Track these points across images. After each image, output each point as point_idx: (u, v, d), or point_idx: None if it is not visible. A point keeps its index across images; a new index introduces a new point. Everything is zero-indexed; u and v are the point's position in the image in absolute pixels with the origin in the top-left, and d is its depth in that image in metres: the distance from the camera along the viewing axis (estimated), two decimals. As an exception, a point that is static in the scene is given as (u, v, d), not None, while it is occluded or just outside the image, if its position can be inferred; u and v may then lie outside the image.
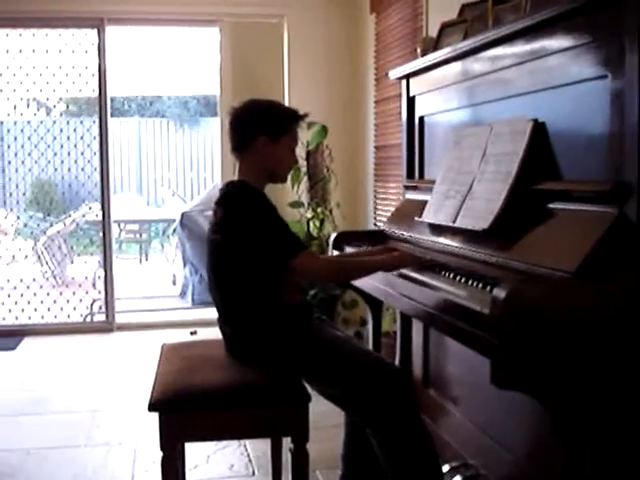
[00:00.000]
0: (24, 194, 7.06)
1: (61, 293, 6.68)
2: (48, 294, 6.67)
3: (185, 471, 2.92)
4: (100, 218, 6.36)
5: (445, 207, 2.79)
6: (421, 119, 3.43)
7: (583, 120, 2.17)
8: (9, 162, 6.75)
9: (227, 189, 2.70)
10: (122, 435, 3.85)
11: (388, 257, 2.70)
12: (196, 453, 3.47)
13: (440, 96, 3.22)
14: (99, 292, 6.58)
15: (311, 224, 5.73)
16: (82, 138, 6.50)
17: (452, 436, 3.14)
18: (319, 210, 5.75)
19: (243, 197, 2.60)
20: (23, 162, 6.62)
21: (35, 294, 6.59)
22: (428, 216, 2.93)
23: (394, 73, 3.61)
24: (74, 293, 6.67)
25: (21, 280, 6.75)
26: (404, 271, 2.65)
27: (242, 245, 2.53)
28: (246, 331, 2.59)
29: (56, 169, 6.67)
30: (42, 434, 3.86)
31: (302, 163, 5.60)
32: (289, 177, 2.90)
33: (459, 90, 3.01)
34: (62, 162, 6.59)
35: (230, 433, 2.61)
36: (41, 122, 6.81)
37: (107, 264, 6.31)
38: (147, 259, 11.09)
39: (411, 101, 3.50)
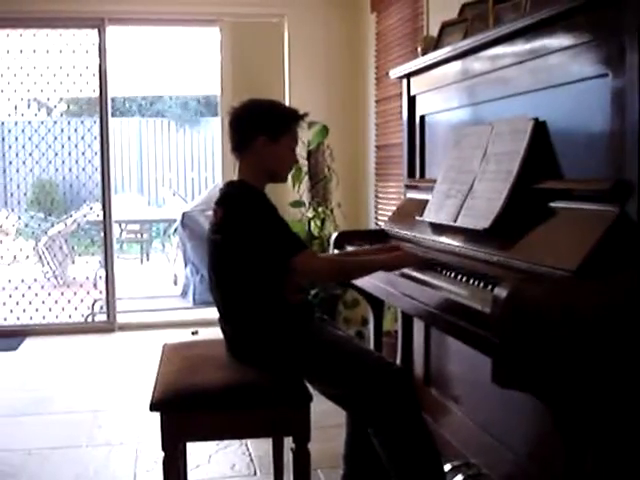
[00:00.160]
0: (25, 194, 7.07)
1: (62, 293, 6.69)
2: (49, 294, 6.67)
3: (187, 471, 2.91)
4: (101, 218, 6.36)
5: (446, 206, 2.79)
6: (422, 118, 3.43)
7: (584, 119, 2.17)
8: (10, 162, 6.75)
9: (227, 189, 2.70)
10: (124, 435, 3.85)
11: (389, 257, 2.70)
12: (198, 453, 3.47)
13: (441, 95, 3.22)
14: (100, 292, 6.59)
15: (312, 224, 5.73)
16: (83, 138, 6.51)
17: (453, 435, 3.14)
18: (320, 210, 5.75)
19: (243, 197, 2.60)
20: (24, 162, 6.63)
21: (36, 294, 6.59)
22: (429, 215, 2.93)
23: (395, 72, 3.61)
24: (75, 293, 6.67)
25: (22, 280, 6.75)
26: (405, 270, 2.65)
27: (242, 245, 2.53)
28: (247, 331, 2.59)
29: (57, 169, 6.67)
30: (44, 434, 3.87)
31: (303, 163, 5.61)
32: (290, 177, 2.90)
33: (460, 89, 3.01)
34: (63, 162, 6.59)
35: (231, 433, 2.62)
36: (42, 122, 6.82)
37: (108, 264, 6.32)
38: (148, 259, 11.09)
39: (412, 100, 3.50)
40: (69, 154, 6.55)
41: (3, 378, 4.96)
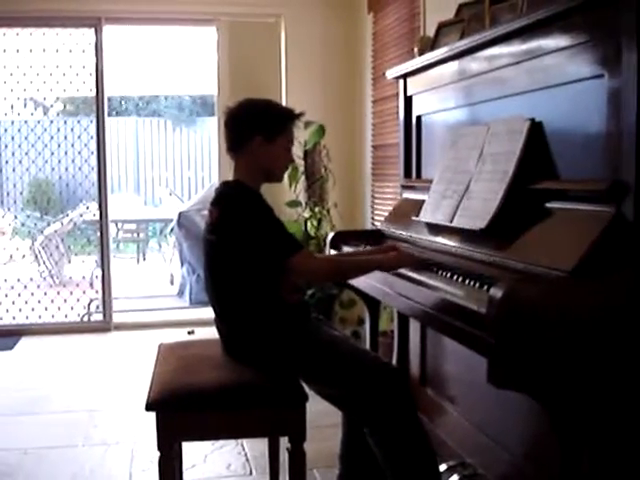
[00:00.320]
0: (21, 193, 7.07)
1: (58, 293, 6.68)
2: (45, 294, 6.66)
3: (182, 470, 2.92)
4: (97, 218, 6.36)
5: (442, 206, 2.79)
6: (418, 118, 3.43)
7: (580, 119, 2.18)
8: (6, 161, 6.76)
9: (222, 189, 2.70)
10: (120, 434, 3.85)
11: (386, 256, 2.70)
12: (193, 452, 3.47)
13: (437, 95, 3.22)
14: (96, 292, 6.59)
15: (309, 224, 5.73)
16: (79, 137, 6.50)
17: (449, 435, 3.14)
18: (317, 210, 5.75)
19: (238, 197, 2.60)
20: (20, 161, 6.62)
21: (32, 294, 6.58)
22: (425, 215, 2.93)
23: (391, 73, 3.61)
24: (71, 293, 6.67)
25: (18, 280, 6.75)
26: (401, 270, 2.65)
27: (238, 245, 2.53)
28: (243, 331, 2.59)
29: (53, 168, 6.67)
30: (40, 434, 3.87)
31: (300, 162, 5.60)
32: (286, 176, 2.90)
33: (456, 90, 3.01)
34: (59, 162, 6.59)
35: (227, 433, 2.61)
36: (38, 122, 6.81)
37: (104, 264, 6.31)
38: (144, 258, 11.09)
39: (408, 100, 3.50)
40: (65, 153, 6.54)
41: (-1, 377, 4.96)
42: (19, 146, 6.59)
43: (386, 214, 3.81)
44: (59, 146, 6.54)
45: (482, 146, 2.63)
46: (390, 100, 5.00)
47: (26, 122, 6.82)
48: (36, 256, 7.89)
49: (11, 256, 7.09)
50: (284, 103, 5.74)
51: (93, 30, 6.07)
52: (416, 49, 3.54)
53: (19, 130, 6.69)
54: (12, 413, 4.21)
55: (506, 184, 2.38)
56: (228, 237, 2.55)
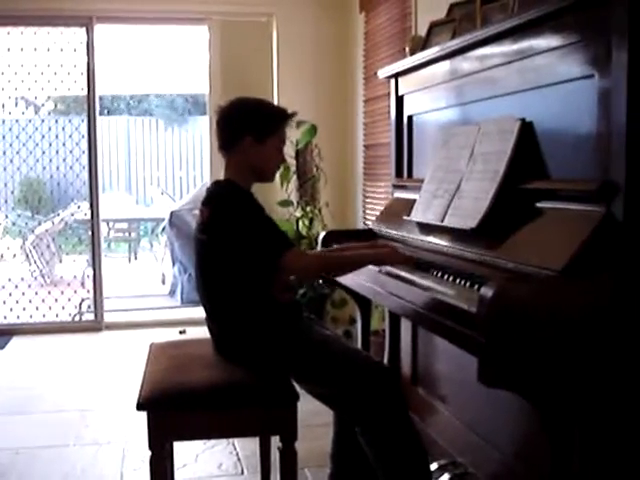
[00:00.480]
0: (12, 193, 7.04)
1: (49, 292, 6.67)
2: (36, 293, 6.66)
3: (174, 470, 2.91)
4: (89, 217, 6.35)
5: (433, 206, 2.79)
6: (410, 118, 3.43)
7: (570, 119, 2.18)
8: (-3, 160, 6.73)
9: (213, 188, 2.70)
10: (111, 434, 3.85)
11: (378, 251, 2.71)
12: (185, 452, 3.47)
13: (429, 95, 3.22)
14: (88, 291, 6.58)
15: (300, 223, 5.74)
16: (70, 137, 6.49)
17: (440, 434, 3.15)
18: (308, 209, 5.76)
19: (229, 197, 2.59)
20: (11, 160, 6.60)
21: (23, 293, 6.57)
22: (416, 215, 2.94)
23: (383, 72, 3.61)
24: (62, 292, 6.66)
25: (9, 279, 6.73)
26: (392, 269, 2.66)
27: (229, 245, 2.53)
28: (234, 330, 2.59)
29: (44, 168, 6.66)
30: (31, 433, 3.86)
31: (291, 162, 5.60)
32: (278, 176, 2.90)
33: (447, 89, 3.01)
34: (50, 161, 6.57)
35: (218, 432, 2.62)
36: (30, 121, 6.79)
37: (96, 263, 6.31)
38: (136, 258, 11.08)
39: (400, 100, 3.50)
40: (57, 152, 6.53)
41: (-10, 377, 4.95)
42: (10, 145, 6.56)
43: (378, 213, 3.82)
44: (50, 145, 6.52)
45: (473, 146, 2.64)
46: (382, 99, 5.01)
47: (17, 121, 6.80)
48: (27, 255, 7.87)
49: (2, 255, 7.07)
50: (276, 102, 5.74)
51: (84, 29, 6.06)
52: (407, 49, 3.54)
53: (10, 129, 6.66)
54: (3, 413, 4.20)
55: (497, 184, 2.38)
56: (219, 236, 2.55)
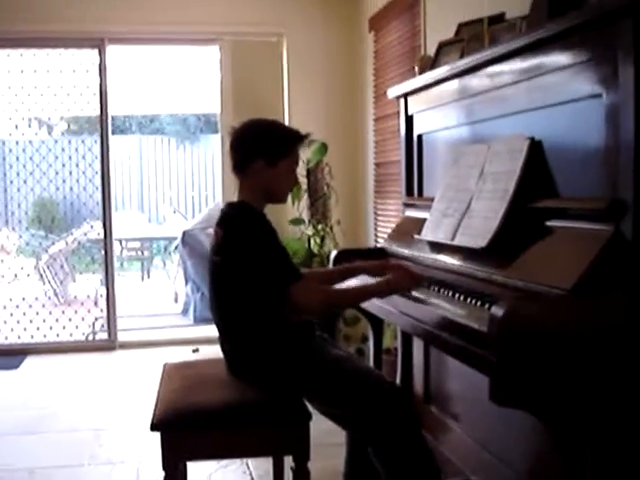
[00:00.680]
0: (26, 213, 7.10)
1: (63, 312, 6.69)
2: (50, 313, 6.67)
3: (187, 490, 2.92)
4: (102, 236, 6.38)
5: (444, 225, 2.81)
6: (419, 137, 3.45)
7: (579, 138, 2.20)
8: (11, 181, 6.78)
9: (227, 210, 2.71)
10: (125, 454, 3.86)
11: (383, 283, 2.63)
12: (198, 472, 3.46)
13: (438, 114, 3.24)
14: (101, 310, 6.60)
15: (312, 241, 5.75)
16: (84, 157, 6.53)
17: (453, 452, 3.15)
18: (320, 227, 5.78)
19: (242, 219, 2.60)
20: (25, 181, 6.65)
21: (37, 313, 6.59)
22: (427, 234, 2.95)
23: (392, 91, 3.64)
24: (76, 311, 6.67)
25: (23, 299, 6.76)
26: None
27: (242, 266, 2.54)
28: (247, 350, 2.59)
29: (58, 188, 6.71)
30: (46, 453, 3.87)
31: (302, 180, 5.63)
32: (289, 195, 2.88)
33: (457, 108, 3.04)
34: (64, 181, 6.62)
35: (232, 452, 2.62)
36: (43, 142, 6.84)
37: (109, 282, 6.33)
38: (149, 276, 11.10)
39: (409, 119, 3.53)
40: (70, 173, 6.58)
41: (4, 397, 4.96)
42: (24, 166, 6.61)
43: (389, 231, 3.83)
44: (63, 166, 6.57)
45: (483, 165, 2.65)
46: (392, 118, 5.03)
47: (31, 142, 6.86)
48: (41, 275, 7.91)
49: (16, 275, 7.10)
50: (287, 121, 5.79)
51: (97, 51, 6.12)
52: (417, 68, 3.57)
53: (24, 150, 6.72)
54: (18, 432, 4.22)
55: (507, 203, 2.40)
56: (232, 258, 2.56)
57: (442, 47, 3.36)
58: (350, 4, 6.08)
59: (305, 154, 5.15)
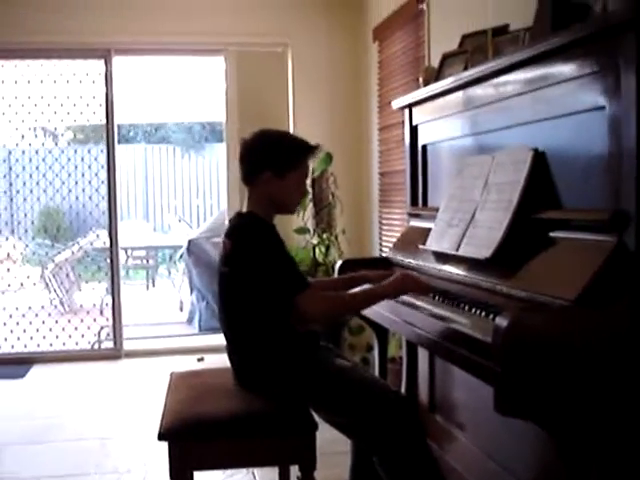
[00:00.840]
0: (32, 222, 7.12)
1: (69, 320, 6.72)
2: (56, 321, 6.70)
3: (194, 499, 2.93)
4: (107, 245, 6.41)
5: (448, 235, 2.83)
6: (424, 147, 3.47)
7: (582, 149, 2.21)
8: (18, 191, 6.81)
9: (236, 221, 2.72)
10: (131, 463, 3.88)
11: (389, 284, 2.65)
12: (205, 480, 3.48)
13: (442, 125, 3.26)
14: (107, 319, 6.62)
15: (317, 250, 5.78)
16: (90, 167, 6.56)
17: (458, 461, 3.15)
18: (325, 236, 5.80)
19: (251, 230, 2.62)
20: (31, 190, 6.69)
21: (43, 322, 6.62)
22: (432, 244, 2.97)
23: (397, 102, 3.66)
24: (82, 320, 6.70)
25: (30, 307, 6.79)
26: (408, 298, 2.69)
27: (249, 277, 2.55)
28: (254, 360, 2.61)
29: (64, 197, 6.73)
30: (52, 462, 3.89)
31: (308, 190, 5.65)
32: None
33: (461, 119, 3.06)
34: (70, 190, 6.65)
35: (238, 462, 2.64)
36: (49, 151, 6.87)
37: (115, 291, 6.36)
38: (154, 285, 11.13)
39: (414, 130, 3.55)
40: (76, 182, 6.60)
41: (11, 406, 4.99)
42: (30, 175, 6.65)
43: (394, 240, 3.85)
44: (69, 175, 6.60)
45: (487, 175, 2.67)
46: (396, 127, 5.06)
47: (37, 152, 6.89)
48: (47, 284, 7.94)
49: (22, 284, 7.12)
50: (291, 130, 5.82)
51: (103, 61, 6.16)
52: (421, 79, 3.59)
53: (30, 160, 6.75)
54: (24, 442, 4.24)
55: (511, 213, 2.41)
56: (240, 269, 2.57)
57: (446, 58, 3.38)
58: (354, 14, 6.11)
59: (310, 164, 5.16)
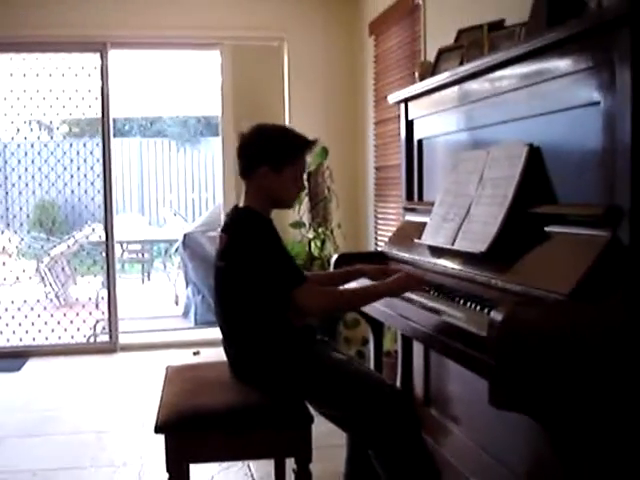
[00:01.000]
0: (28, 216, 7.12)
1: (65, 314, 6.72)
2: (52, 315, 6.71)
3: (190, 491, 2.95)
4: (103, 239, 6.41)
5: (444, 229, 2.84)
6: (419, 142, 3.48)
7: (577, 145, 2.22)
8: (13, 184, 6.81)
9: (233, 215, 2.73)
10: (127, 456, 3.89)
11: (388, 284, 2.66)
12: (200, 474, 3.48)
13: (438, 120, 3.28)
14: (102, 313, 6.62)
15: (312, 244, 5.78)
16: (85, 161, 6.56)
17: (453, 454, 3.17)
18: (320, 230, 5.81)
19: (248, 224, 2.63)
20: (27, 184, 6.68)
21: (39, 315, 6.62)
22: (427, 238, 2.98)
23: (393, 97, 3.67)
24: (77, 314, 6.70)
25: (25, 301, 6.79)
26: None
27: (245, 272, 2.56)
28: (250, 353, 2.62)
29: (59, 191, 6.73)
30: (48, 455, 3.90)
31: (304, 184, 5.65)
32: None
33: (456, 114, 3.07)
34: (65, 184, 6.64)
35: (235, 454, 2.65)
36: (45, 145, 6.87)
37: (110, 284, 6.36)
38: (149, 279, 11.13)
39: (410, 124, 3.56)
40: (71, 176, 6.60)
41: (6, 399, 4.99)
42: (25, 169, 6.64)
43: (389, 234, 3.86)
44: (65, 168, 6.59)
45: (482, 170, 2.68)
46: (392, 122, 5.06)
47: (32, 145, 6.89)
48: (42, 277, 7.94)
49: (17, 278, 7.12)
50: (287, 124, 5.82)
51: (99, 54, 6.15)
52: (417, 74, 3.60)
53: (25, 153, 6.74)
54: (20, 434, 4.24)
55: (505, 208, 2.43)
56: (236, 263, 2.58)
57: (442, 53, 3.39)
58: (350, 9, 6.11)
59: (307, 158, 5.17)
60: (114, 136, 6.42)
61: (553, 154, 2.35)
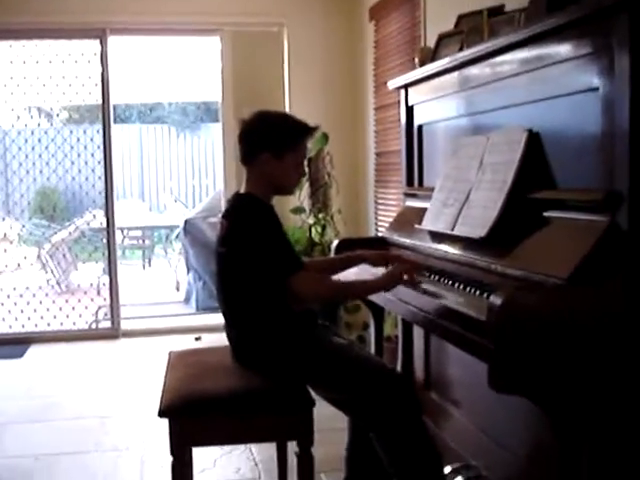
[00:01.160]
0: (29, 202, 7.15)
1: (66, 300, 6.75)
2: (53, 301, 6.72)
3: (193, 475, 2.97)
4: (104, 225, 6.42)
5: (444, 215, 2.85)
6: (420, 128, 3.49)
7: (576, 130, 2.23)
8: (13, 171, 6.82)
9: (234, 201, 2.74)
10: (130, 441, 3.92)
11: (383, 280, 2.67)
12: (203, 457, 3.52)
13: (438, 105, 3.28)
14: (104, 299, 6.65)
15: (313, 230, 5.80)
16: (85, 147, 6.57)
17: (454, 438, 3.20)
18: (321, 216, 5.82)
19: (248, 210, 2.64)
20: (27, 171, 6.70)
21: (40, 302, 6.63)
22: (427, 224, 2.99)
23: (393, 83, 3.68)
24: (79, 300, 6.73)
25: (27, 288, 6.81)
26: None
27: (246, 257, 2.58)
28: (252, 338, 2.64)
29: (60, 177, 6.74)
30: (51, 440, 3.93)
31: (305, 171, 5.66)
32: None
33: (457, 100, 3.08)
34: (66, 170, 6.66)
35: (237, 438, 2.69)
36: (45, 132, 6.87)
37: (111, 271, 6.38)
38: (150, 265, 11.15)
39: (410, 110, 3.56)
40: (72, 162, 6.61)
41: (9, 385, 5.02)
42: (26, 156, 6.65)
43: (389, 220, 3.88)
44: (65, 155, 6.60)
45: (482, 156, 2.70)
46: (392, 107, 5.06)
47: (32, 132, 6.89)
48: (43, 264, 7.96)
49: (19, 264, 7.15)
50: (287, 109, 5.83)
51: (98, 41, 6.14)
52: (417, 59, 3.60)
53: (26, 140, 6.75)
54: (23, 420, 4.27)
55: (505, 193, 2.44)
56: (237, 249, 2.60)
57: (442, 39, 3.39)
58: (350, -6, 6.11)
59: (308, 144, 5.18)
60: (114, 122, 6.43)
61: (552, 139, 2.36)
